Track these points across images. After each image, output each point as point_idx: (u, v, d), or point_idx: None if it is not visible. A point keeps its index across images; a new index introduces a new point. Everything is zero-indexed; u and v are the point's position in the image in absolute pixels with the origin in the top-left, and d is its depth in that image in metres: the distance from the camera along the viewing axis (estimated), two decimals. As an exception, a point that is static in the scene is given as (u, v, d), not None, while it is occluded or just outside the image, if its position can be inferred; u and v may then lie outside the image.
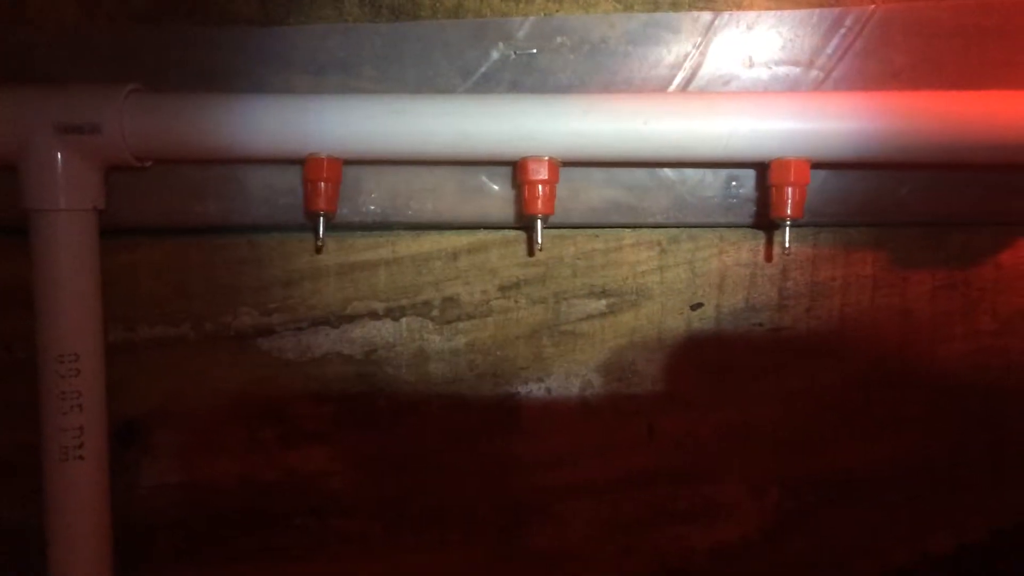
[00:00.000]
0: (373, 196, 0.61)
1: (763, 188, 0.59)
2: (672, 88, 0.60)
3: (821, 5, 0.59)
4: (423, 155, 0.57)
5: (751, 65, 0.60)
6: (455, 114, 0.55)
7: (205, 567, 0.66)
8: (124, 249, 0.62)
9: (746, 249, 0.63)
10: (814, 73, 0.59)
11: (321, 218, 0.57)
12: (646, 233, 0.63)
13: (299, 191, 0.61)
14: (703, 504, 0.66)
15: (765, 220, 0.61)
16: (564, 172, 0.57)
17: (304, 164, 0.56)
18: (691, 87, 0.60)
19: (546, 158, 0.56)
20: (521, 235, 0.63)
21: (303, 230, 0.62)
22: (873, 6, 0.58)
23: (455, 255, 0.63)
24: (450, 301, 0.64)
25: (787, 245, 0.57)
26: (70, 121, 0.54)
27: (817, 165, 0.55)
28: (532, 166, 0.56)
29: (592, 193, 0.61)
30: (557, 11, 0.59)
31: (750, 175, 0.61)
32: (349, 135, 0.55)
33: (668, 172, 0.61)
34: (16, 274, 0.62)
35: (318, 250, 0.62)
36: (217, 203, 0.61)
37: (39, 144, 0.54)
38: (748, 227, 0.62)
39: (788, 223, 0.56)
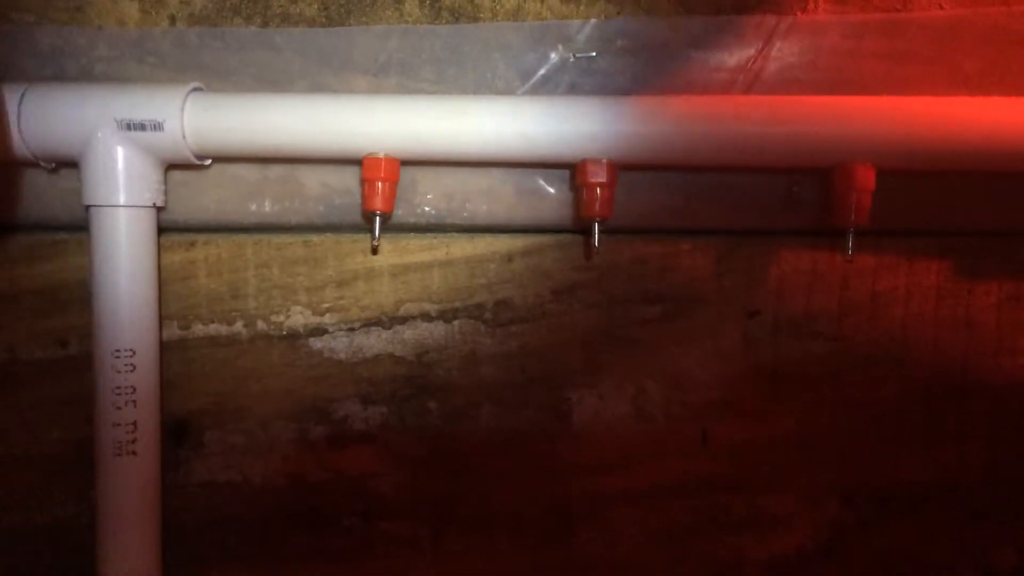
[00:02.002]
0: (429, 197, 0.61)
1: (825, 194, 0.59)
2: (733, 92, 0.59)
3: (887, 10, 0.58)
4: (481, 156, 0.56)
5: (815, 70, 0.59)
6: (514, 115, 0.55)
7: (253, 566, 0.66)
8: (181, 247, 0.62)
9: (805, 257, 0.62)
10: (878, 78, 0.59)
11: (377, 218, 0.58)
12: (704, 238, 0.62)
13: (355, 191, 0.61)
14: (758, 514, 0.65)
15: (825, 227, 0.60)
16: (622, 175, 0.57)
17: (362, 163, 0.56)
18: (752, 91, 0.59)
19: (605, 160, 0.55)
20: (576, 239, 0.62)
21: (358, 231, 0.62)
22: (942, 12, 0.58)
23: (509, 258, 0.63)
24: (503, 304, 0.63)
25: (849, 252, 0.56)
26: (134, 118, 0.54)
27: (882, 171, 0.54)
28: (591, 168, 0.55)
29: (650, 197, 0.60)
30: (618, 14, 0.59)
31: (811, 181, 0.60)
32: (407, 135, 0.55)
33: (728, 177, 0.60)
34: (69, 271, 0.62)
35: (374, 250, 0.62)
36: (274, 202, 0.61)
37: (102, 140, 0.55)
38: (808, 234, 0.61)
39: (851, 230, 0.55)
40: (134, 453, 0.58)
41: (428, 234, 0.63)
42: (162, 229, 0.60)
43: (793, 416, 0.64)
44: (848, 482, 0.65)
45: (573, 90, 0.59)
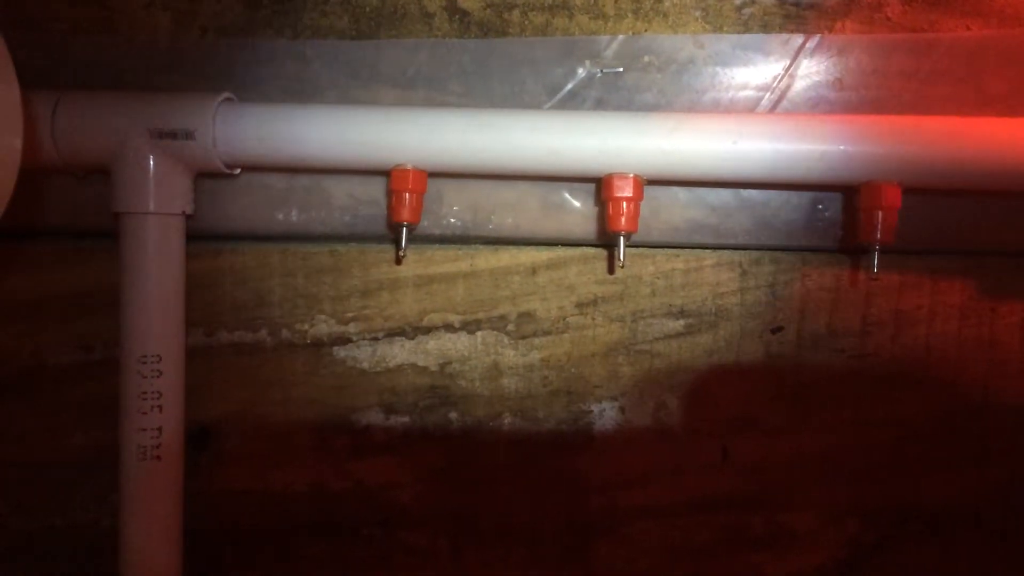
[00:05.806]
0: (455, 209, 0.62)
1: (851, 212, 0.59)
2: (759, 110, 0.59)
3: (913, 30, 0.58)
4: (507, 170, 0.57)
5: (841, 88, 0.59)
6: (541, 130, 0.55)
7: (272, 574, 0.66)
8: (208, 255, 0.63)
9: (829, 274, 0.62)
10: (905, 97, 0.59)
11: (404, 229, 0.58)
12: (727, 254, 0.62)
13: (381, 202, 0.61)
14: (778, 531, 0.65)
15: (850, 244, 0.60)
16: (647, 190, 0.57)
17: (390, 175, 0.57)
18: (779, 109, 0.59)
19: (631, 175, 0.56)
20: (600, 252, 0.63)
21: (383, 241, 0.63)
22: (968, 33, 0.58)
23: (533, 270, 0.63)
24: (526, 316, 0.63)
25: (875, 271, 0.56)
26: (165, 127, 0.55)
27: (907, 190, 0.55)
28: (617, 183, 0.56)
29: (675, 212, 0.61)
30: (645, 30, 0.59)
31: (836, 198, 0.60)
32: (435, 147, 0.56)
33: (752, 193, 0.60)
34: (95, 277, 0.63)
35: (399, 261, 0.63)
36: (300, 212, 0.62)
37: (134, 149, 0.55)
38: (832, 251, 0.62)
39: (876, 248, 0.55)
40: (158, 458, 0.58)
41: (453, 246, 0.63)
42: (189, 236, 0.60)
43: (814, 434, 0.64)
44: (868, 501, 0.65)
45: (600, 105, 0.60)
